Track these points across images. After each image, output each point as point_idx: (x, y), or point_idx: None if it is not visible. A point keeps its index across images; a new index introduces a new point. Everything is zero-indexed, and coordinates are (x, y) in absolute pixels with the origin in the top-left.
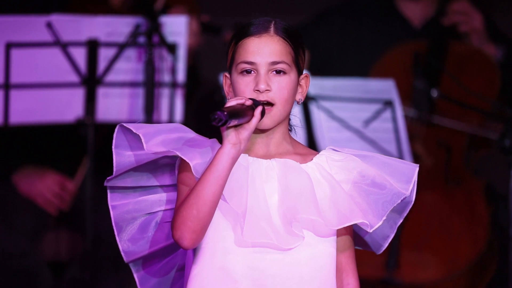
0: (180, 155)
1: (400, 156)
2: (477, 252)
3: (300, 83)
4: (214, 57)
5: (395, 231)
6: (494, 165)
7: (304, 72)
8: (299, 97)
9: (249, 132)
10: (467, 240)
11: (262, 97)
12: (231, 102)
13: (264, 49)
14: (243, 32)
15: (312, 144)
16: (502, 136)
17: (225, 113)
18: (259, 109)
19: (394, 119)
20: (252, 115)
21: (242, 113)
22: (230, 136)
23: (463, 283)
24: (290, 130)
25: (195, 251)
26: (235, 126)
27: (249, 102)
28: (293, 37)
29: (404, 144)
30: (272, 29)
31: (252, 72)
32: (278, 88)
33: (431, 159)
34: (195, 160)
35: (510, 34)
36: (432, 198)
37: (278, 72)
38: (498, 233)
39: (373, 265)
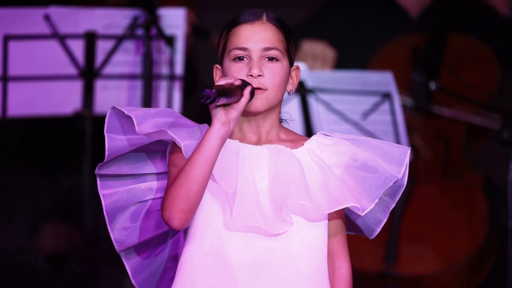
0: (170, 133)
1: None
2: (476, 245)
3: (291, 75)
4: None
5: (387, 215)
6: (493, 157)
7: (295, 64)
8: (290, 87)
9: (238, 111)
10: (465, 233)
11: (254, 83)
12: (220, 82)
13: (257, 35)
14: (235, 21)
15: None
16: (501, 128)
17: (214, 90)
18: (248, 89)
19: (392, 112)
20: (241, 95)
21: (231, 92)
22: (219, 115)
23: (461, 276)
24: (281, 122)
25: (185, 236)
26: (224, 105)
27: (238, 82)
28: (285, 27)
29: (402, 136)
30: (264, 17)
31: (245, 58)
32: (270, 74)
33: (430, 152)
34: (186, 141)
35: None
36: (431, 191)
37: (271, 59)
38: (496, 226)
39: (372, 258)
